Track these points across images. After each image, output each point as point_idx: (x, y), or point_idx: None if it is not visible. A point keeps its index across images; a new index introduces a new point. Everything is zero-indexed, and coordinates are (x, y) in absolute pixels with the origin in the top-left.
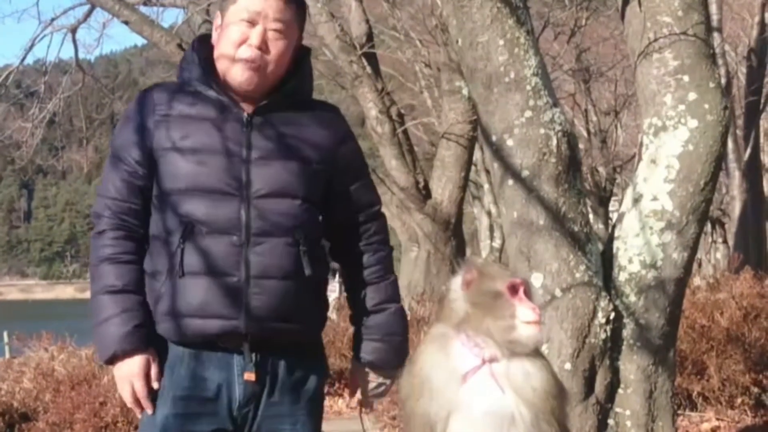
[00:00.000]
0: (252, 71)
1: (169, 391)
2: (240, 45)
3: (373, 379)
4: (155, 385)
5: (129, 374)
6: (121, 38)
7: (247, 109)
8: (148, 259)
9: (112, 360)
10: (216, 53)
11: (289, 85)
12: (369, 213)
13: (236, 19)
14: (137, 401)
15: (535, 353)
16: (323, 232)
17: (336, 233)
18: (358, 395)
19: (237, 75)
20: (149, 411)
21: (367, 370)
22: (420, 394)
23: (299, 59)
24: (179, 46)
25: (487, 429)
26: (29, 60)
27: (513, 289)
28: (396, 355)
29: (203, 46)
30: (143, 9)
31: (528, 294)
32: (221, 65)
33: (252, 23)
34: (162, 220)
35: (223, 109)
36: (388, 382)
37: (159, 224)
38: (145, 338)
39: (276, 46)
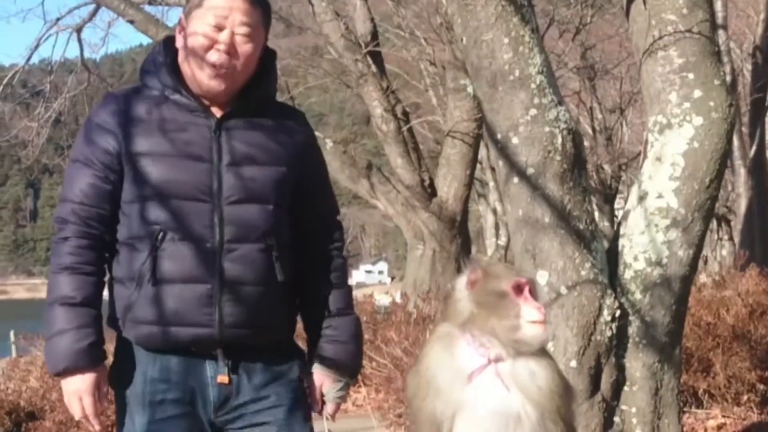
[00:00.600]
0: (221, 76)
1: (145, 397)
2: (208, 50)
3: (338, 382)
4: (104, 403)
5: (78, 390)
6: (126, 37)
7: (216, 113)
8: (116, 265)
9: (62, 374)
10: (182, 57)
11: (257, 89)
12: (332, 220)
13: (203, 23)
14: (86, 417)
15: (541, 352)
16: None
17: (298, 238)
18: (330, 405)
19: (205, 79)
20: (96, 428)
21: (332, 371)
22: (426, 393)
23: (265, 61)
24: None
25: (492, 428)
26: (35, 59)
27: (518, 289)
28: (359, 358)
29: (168, 49)
30: (148, 8)
31: (533, 293)
32: (188, 69)
33: (219, 28)
34: (131, 226)
35: (192, 113)
36: (347, 385)
37: (128, 230)
38: (98, 356)
39: (244, 50)
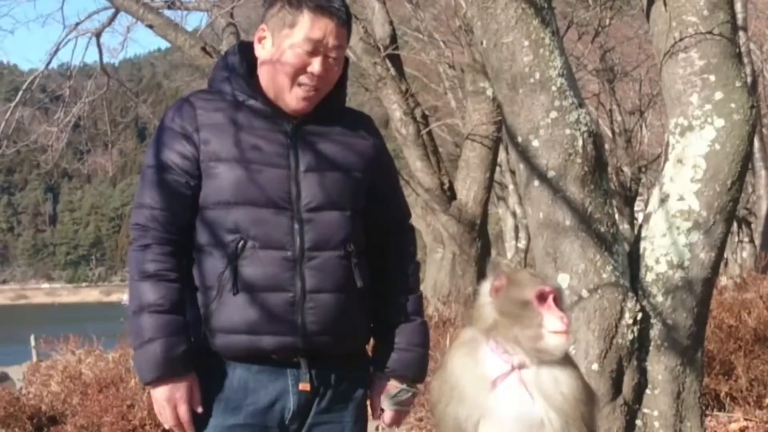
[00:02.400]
0: (308, 99)
1: (221, 404)
2: (299, 74)
3: (399, 390)
4: (199, 409)
5: (172, 399)
6: (145, 42)
7: (290, 119)
8: (195, 273)
9: (155, 383)
10: (267, 73)
11: (333, 98)
12: (404, 224)
13: (295, 46)
14: (179, 425)
15: (565, 359)
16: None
17: (371, 243)
18: (387, 412)
19: (293, 101)
20: None
21: (392, 381)
22: (450, 399)
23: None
24: (203, 49)
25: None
26: (54, 64)
27: (541, 297)
28: (420, 367)
29: (243, 54)
30: (167, 12)
31: (558, 301)
32: (269, 80)
33: (313, 52)
34: (209, 233)
35: (268, 120)
36: (411, 394)
37: (205, 237)
38: (190, 363)
39: (333, 72)
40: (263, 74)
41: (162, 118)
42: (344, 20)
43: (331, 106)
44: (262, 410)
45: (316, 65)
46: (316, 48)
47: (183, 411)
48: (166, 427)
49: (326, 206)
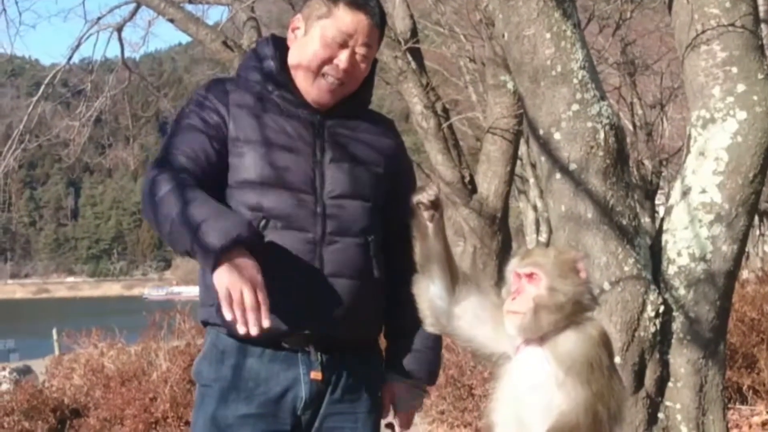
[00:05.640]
0: (332, 92)
1: (232, 393)
2: (326, 63)
3: (410, 392)
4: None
5: (254, 265)
6: (166, 36)
7: (316, 111)
8: None
9: (233, 246)
10: (295, 61)
11: (358, 96)
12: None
13: (325, 35)
14: (258, 302)
15: (589, 323)
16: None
17: (388, 242)
18: (401, 414)
19: (316, 91)
20: (266, 323)
21: (404, 381)
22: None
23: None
24: (224, 43)
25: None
26: (76, 59)
27: (516, 276)
28: (433, 368)
29: (276, 44)
30: (188, 7)
31: (534, 280)
32: (298, 74)
33: (342, 44)
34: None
35: (296, 109)
36: (423, 394)
37: None
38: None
39: (360, 69)
40: (293, 63)
41: (192, 95)
42: (378, 21)
43: (355, 104)
44: (273, 399)
45: (343, 58)
46: (346, 41)
47: (260, 281)
48: (247, 302)
49: (349, 195)
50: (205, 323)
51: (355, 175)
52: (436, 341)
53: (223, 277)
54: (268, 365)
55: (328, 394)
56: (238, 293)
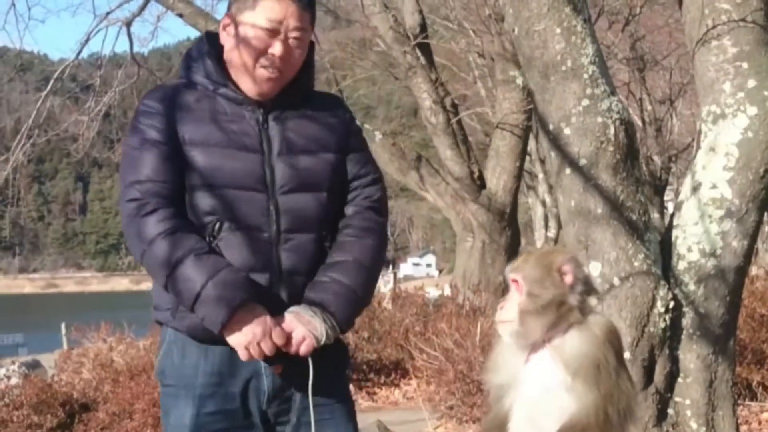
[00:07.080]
0: (272, 80)
1: (196, 389)
2: (261, 54)
3: (311, 321)
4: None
5: (264, 320)
6: (175, 31)
7: (259, 105)
8: None
9: (238, 309)
10: (229, 57)
11: (299, 82)
12: (364, 179)
13: (255, 26)
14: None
15: (593, 322)
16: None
17: (343, 218)
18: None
19: (257, 82)
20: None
21: (305, 309)
22: (493, 368)
23: (306, 53)
24: None
25: (532, 393)
26: (84, 54)
27: (514, 282)
28: (338, 302)
29: (211, 43)
30: (197, 2)
31: (521, 288)
32: (236, 70)
33: (273, 32)
34: (191, 216)
35: (239, 106)
36: (326, 329)
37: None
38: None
39: (296, 55)
40: (229, 61)
41: (137, 107)
42: (306, 3)
43: (298, 91)
44: (237, 394)
45: (277, 47)
46: (277, 29)
47: (277, 337)
48: (263, 344)
49: (300, 188)
50: (161, 323)
51: (305, 166)
52: (353, 278)
53: (239, 338)
54: (229, 362)
55: (289, 388)
56: (258, 350)
